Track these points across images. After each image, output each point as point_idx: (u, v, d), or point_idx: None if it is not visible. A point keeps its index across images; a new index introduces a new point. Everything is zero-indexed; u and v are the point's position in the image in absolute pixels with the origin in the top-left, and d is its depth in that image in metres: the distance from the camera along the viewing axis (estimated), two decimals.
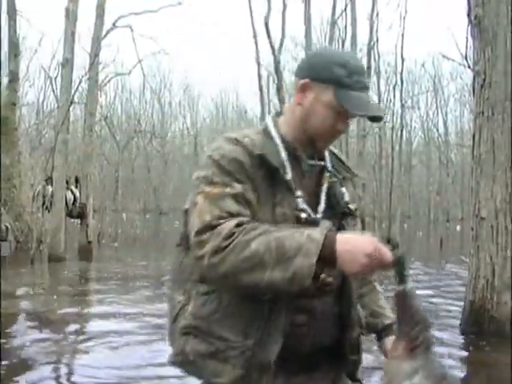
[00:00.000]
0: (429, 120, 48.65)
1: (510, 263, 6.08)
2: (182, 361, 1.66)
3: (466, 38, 7.52)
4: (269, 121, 1.74)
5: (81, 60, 21.78)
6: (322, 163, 1.74)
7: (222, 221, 1.50)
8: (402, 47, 21.81)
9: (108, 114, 41.95)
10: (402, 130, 27.44)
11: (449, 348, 5.71)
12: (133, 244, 20.13)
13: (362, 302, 1.85)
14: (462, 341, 6.11)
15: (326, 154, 1.77)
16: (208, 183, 1.57)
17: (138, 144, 47.19)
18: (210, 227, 1.50)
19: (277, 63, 18.82)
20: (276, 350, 1.55)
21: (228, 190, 1.54)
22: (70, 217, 15.63)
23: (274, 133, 1.69)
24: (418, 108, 47.41)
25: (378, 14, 22.26)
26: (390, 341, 1.70)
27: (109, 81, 27.50)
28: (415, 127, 49.39)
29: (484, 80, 6.33)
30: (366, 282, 1.89)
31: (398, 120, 25.06)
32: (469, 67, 7.61)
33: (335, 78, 1.61)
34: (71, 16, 14.14)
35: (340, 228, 1.66)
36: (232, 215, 1.51)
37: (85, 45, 19.94)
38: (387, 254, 1.46)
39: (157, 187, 48.80)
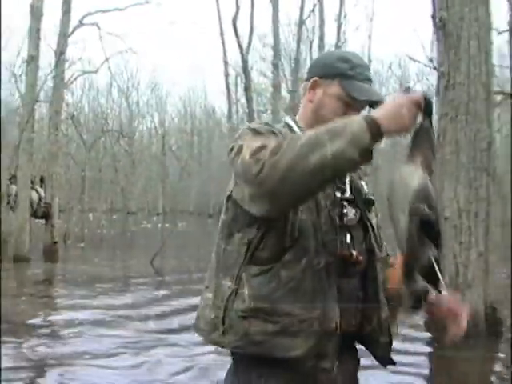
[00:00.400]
0: None
1: (474, 263, 6.19)
2: (247, 343, 1.64)
3: (432, 40, 7.59)
4: (287, 118, 1.85)
5: (47, 57, 21.48)
6: None
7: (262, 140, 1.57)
8: (369, 48, 22.03)
9: (75, 113, 41.45)
10: None
11: (414, 345, 5.79)
12: (100, 244, 19.94)
13: None
14: (428, 339, 6.19)
15: None
16: (251, 133, 1.63)
17: (105, 143, 46.71)
18: (261, 147, 1.52)
19: (245, 63, 18.84)
20: (336, 317, 1.64)
21: (271, 136, 1.61)
22: (34, 217, 15.39)
23: (295, 127, 1.80)
24: None
25: (345, 16, 22.44)
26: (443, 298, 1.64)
27: (75, 79, 27.16)
28: None
29: (448, 82, 6.43)
30: None
31: None
32: (434, 69, 7.71)
33: (340, 72, 1.76)
34: (36, 12, 13.95)
35: (362, 217, 1.78)
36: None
37: (51, 42, 19.65)
38: (415, 94, 1.52)
39: (124, 187, 48.37)
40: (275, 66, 20.56)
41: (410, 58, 21.64)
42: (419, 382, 4.93)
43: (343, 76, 1.76)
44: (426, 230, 1.50)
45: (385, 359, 1.82)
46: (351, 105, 1.74)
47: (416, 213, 1.49)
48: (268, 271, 1.64)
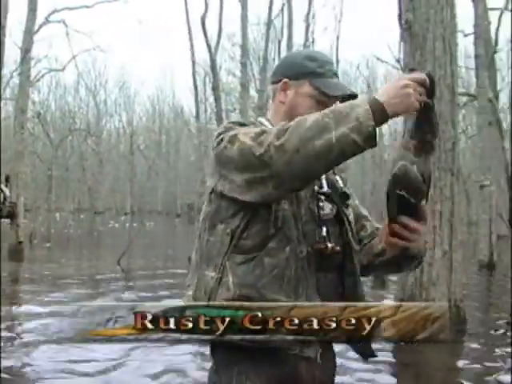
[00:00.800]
0: None
1: (438, 261, 6.28)
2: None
3: (399, 41, 7.68)
4: (260, 119, 1.85)
5: (12, 55, 21.17)
6: None
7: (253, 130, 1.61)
8: (337, 49, 22.19)
9: (41, 111, 40.97)
10: None
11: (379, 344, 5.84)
12: (66, 244, 19.73)
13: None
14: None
15: None
16: (237, 125, 1.69)
17: (72, 142, 46.26)
18: (261, 132, 1.56)
19: (213, 62, 18.81)
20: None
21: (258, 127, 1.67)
22: None
23: (269, 127, 1.76)
24: None
25: (313, 16, 22.56)
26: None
27: (42, 76, 26.88)
28: None
29: None
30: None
31: None
32: (401, 70, 7.80)
33: (309, 71, 1.79)
34: (2, 9, 13.74)
35: (338, 211, 1.79)
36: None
37: (16, 39, 19.39)
38: (418, 74, 1.51)
39: (92, 186, 47.97)
40: (243, 65, 20.58)
41: (378, 59, 21.94)
42: (385, 371, 4.97)
43: (313, 75, 1.78)
44: (405, 211, 1.57)
45: (365, 352, 1.83)
46: (324, 102, 1.75)
47: (391, 197, 1.54)
48: (252, 259, 1.66)
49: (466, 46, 28.74)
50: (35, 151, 39.17)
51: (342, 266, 1.77)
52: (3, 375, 4.60)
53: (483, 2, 14.07)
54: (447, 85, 6.45)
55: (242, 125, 1.70)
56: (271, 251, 1.66)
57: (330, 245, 1.71)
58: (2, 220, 16.05)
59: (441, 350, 5.71)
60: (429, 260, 6.25)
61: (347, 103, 1.52)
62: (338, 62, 22.40)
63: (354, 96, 1.74)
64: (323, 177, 1.80)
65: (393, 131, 51.63)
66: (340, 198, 1.83)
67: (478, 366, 5.31)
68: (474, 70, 15.35)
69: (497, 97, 15.13)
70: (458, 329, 6.25)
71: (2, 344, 5.59)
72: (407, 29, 6.65)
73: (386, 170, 47.30)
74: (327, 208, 1.77)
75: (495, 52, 16.24)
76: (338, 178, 1.87)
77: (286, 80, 1.81)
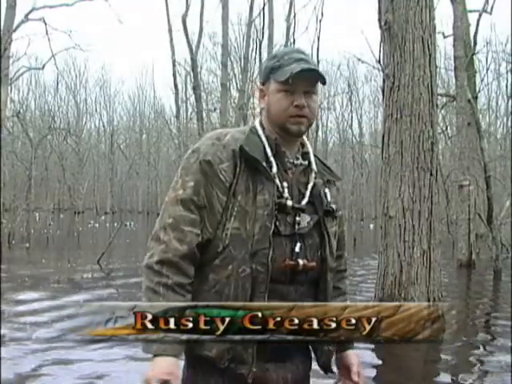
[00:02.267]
0: (344, 121, 49.74)
1: (417, 261, 6.32)
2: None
3: (380, 42, 7.74)
4: (257, 123, 1.91)
5: None
6: (306, 163, 1.88)
7: (161, 234, 1.75)
8: (317, 49, 22.17)
9: (20, 110, 40.55)
10: (317, 131, 27.91)
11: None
12: (46, 244, 19.54)
13: None
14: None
15: (313, 158, 1.91)
16: (173, 184, 1.81)
17: (52, 141, 45.86)
18: (156, 237, 1.76)
19: (194, 61, 18.77)
20: None
21: (184, 195, 1.76)
22: None
23: (260, 131, 1.86)
24: (334, 109, 48.44)
25: (294, 16, 22.58)
26: (351, 354, 1.91)
27: (21, 75, 26.66)
28: (331, 128, 50.44)
29: (393, 83, 6.56)
30: (341, 293, 2.01)
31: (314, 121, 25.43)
32: (382, 70, 7.85)
33: (270, 69, 1.84)
34: None
35: (320, 224, 1.82)
36: (176, 221, 1.74)
37: None
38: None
39: (71, 186, 47.60)
40: (224, 65, 20.56)
41: (359, 60, 22.01)
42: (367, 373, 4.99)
43: (273, 70, 1.82)
44: None
45: (326, 366, 1.89)
46: (290, 90, 1.78)
47: None
48: (201, 274, 1.75)
49: (445, 47, 29.04)
50: (14, 150, 38.79)
51: (317, 280, 1.82)
52: None
53: (462, 3, 14.19)
54: (426, 85, 6.50)
55: (174, 184, 1.80)
56: (216, 268, 1.73)
57: (301, 262, 1.73)
58: None
59: (419, 348, 5.77)
60: (408, 259, 6.30)
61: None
62: (318, 62, 22.39)
63: (318, 75, 1.79)
64: (309, 187, 1.84)
65: (373, 131, 51.91)
66: (324, 212, 1.84)
67: (455, 366, 5.37)
68: (453, 71, 15.48)
69: (476, 98, 15.25)
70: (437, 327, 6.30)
71: None
72: (387, 30, 6.70)
73: (367, 170, 47.47)
74: (304, 221, 1.79)
75: (474, 53, 16.38)
76: (327, 190, 1.88)
77: (261, 87, 1.88)
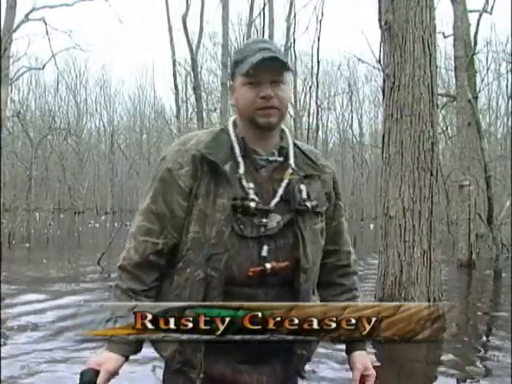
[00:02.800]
0: (344, 121, 49.75)
1: (417, 261, 6.32)
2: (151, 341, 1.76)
3: (380, 42, 7.75)
4: (230, 122, 1.86)
5: None
6: (282, 159, 1.80)
7: (127, 242, 1.81)
8: (318, 49, 22.18)
9: (21, 110, 40.56)
10: (317, 131, 27.91)
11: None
12: (46, 244, 19.54)
13: None
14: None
15: (291, 152, 1.82)
16: (145, 193, 1.82)
17: (52, 141, 45.87)
18: (126, 248, 1.81)
19: (194, 61, 18.77)
20: None
21: (145, 204, 1.79)
22: None
23: (231, 132, 1.81)
24: (334, 109, 48.46)
25: (295, 16, 22.59)
26: (358, 356, 1.82)
27: (21, 75, 26.67)
28: (331, 128, 50.45)
29: (393, 83, 6.56)
30: (346, 289, 1.93)
31: (314, 120, 25.48)
32: (382, 70, 7.85)
33: (234, 63, 1.80)
34: None
35: (293, 223, 1.75)
36: (136, 230, 1.79)
37: None
38: None
39: (72, 186, 47.62)
40: (224, 65, 20.57)
41: (359, 60, 22.01)
42: None
43: (237, 64, 1.77)
44: None
45: (298, 371, 1.83)
46: (255, 82, 1.73)
47: None
48: (169, 276, 1.77)
49: (445, 47, 29.05)
50: (14, 150, 38.81)
51: (291, 281, 1.75)
52: None
53: (463, 3, 14.19)
54: (426, 85, 6.50)
55: (145, 194, 1.81)
56: (179, 271, 1.73)
57: (269, 265, 1.69)
58: None
59: (420, 346, 5.77)
60: (408, 259, 6.30)
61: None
62: (318, 62, 22.41)
63: (274, 58, 1.71)
64: (283, 185, 1.76)
65: (373, 131, 51.91)
66: (297, 210, 1.75)
67: (456, 364, 5.37)
68: (453, 71, 15.48)
69: (476, 98, 15.26)
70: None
71: None
72: (387, 30, 6.70)
73: (367, 170, 47.51)
74: (273, 221, 1.73)
75: (474, 53, 16.39)
76: (303, 187, 1.78)
77: (230, 83, 1.85)
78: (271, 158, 1.78)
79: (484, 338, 6.32)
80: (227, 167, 1.72)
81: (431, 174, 6.42)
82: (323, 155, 2.00)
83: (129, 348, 1.67)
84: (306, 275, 1.75)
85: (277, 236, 1.73)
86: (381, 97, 7.90)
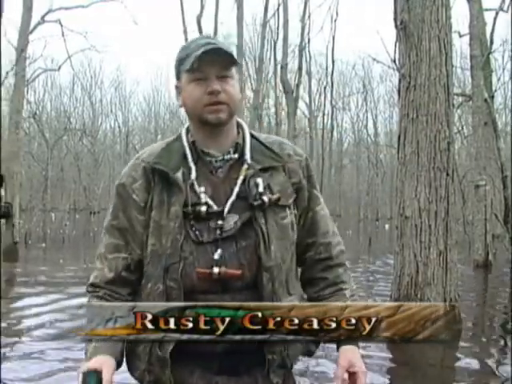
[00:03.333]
0: (359, 121, 49.61)
1: (433, 261, 6.28)
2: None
3: (395, 41, 7.72)
4: (184, 127, 1.81)
5: (7, 54, 21.12)
6: (237, 156, 1.73)
7: (97, 262, 1.78)
8: (332, 49, 22.17)
9: (37, 111, 40.85)
10: (332, 131, 27.87)
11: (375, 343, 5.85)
12: (62, 244, 19.67)
13: None
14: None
15: (247, 146, 1.74)
16: (109, 211, 1.80)
17: (67, 142, 46.15)
18: (96, 269, 1.79)
19: None
20: (170, 344, 1.62)
21: (107, 222, 1.78)
22: None
23: (183, 137, 1.77)
24: (349, 109, 48.35)
25: (309, 16, 22.57)
26: (344, 352, 1.68)
27: (37, 76, 26.85)
28: (346, 128, 50.34)
29: (409, 83, 6.52)
30: (330, 283, 1.81)
31: (329, 121, 25.44)
32: (397, 70, 7.81)
33: (179, 61, 1.72)
34: None
35: (252, 220, 1.66)
36: (105, 250, 1.77)
37: (11, 38, 19.34)
38: None
39: (87, 186, 47.86)
40: (239, 66, 20.57)
41: (374, 59, 21.93)
42: (381, 373, 4.97)
43: (181, 62, 1.70)
44: None
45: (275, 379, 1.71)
46: (202, 78, 1.66)
47: None
48: (137, 294, 1.75)
49: (461, 46, 28.86)
50: (30, 151, 39.10)
51: (255, 285, 1.67)
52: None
53: (478, 2, 14.10)
54: (442, 85, 6.45)
55: (109, 211, 1.78)
56: (142, 287, 1.72)
57: (216, 269, 1.61)
58: None
59: (437, 349, 5.73)
60: (424, 260, 6.26)
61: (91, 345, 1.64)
62: (333, 61, 22.38)
63: (216, 49, 1.65)
64: (239, 182, 1.69)
65: (388, 131, 51.70)
66: (256, 206, 1.67)
67: (472, 365, 5.34)
68: (469, 70, 15.37)
69: (492, 97, 15.14)
70: (454, 328, 6.27)
71: None
72: (402, 29, 6.66)
73: (382, 171, 47.33)
74: (230, 222, 1.66)
75: (490, 52, 16.26)
76: (259, 180, 1.69)
77: (176, 84, 1.76)
78: (226, 157, 1.72)
79: (502, 342, 6.26)
80: (179, 174, 1.67)
81: (447, 174, 6.37)
82: (293, 144, 1.87)
83: (115, 349, 1.64)
84: (270, 274, 1.65)
85: (237, 237, 1.66)
86: (396, 96, 7.86)
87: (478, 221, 13.21)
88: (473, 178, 14.71)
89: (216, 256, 1.63)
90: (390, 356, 5.36)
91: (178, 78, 1.74)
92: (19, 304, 8.03)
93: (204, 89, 1.66)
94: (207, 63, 1.64)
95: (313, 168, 1.85)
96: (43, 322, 6.64)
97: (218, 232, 1.65)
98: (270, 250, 1.65)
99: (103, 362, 1.60)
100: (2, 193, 14.97)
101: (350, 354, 1.67)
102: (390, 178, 46.40)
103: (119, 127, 56.25)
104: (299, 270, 1.86)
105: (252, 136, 1.78)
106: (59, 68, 22.84)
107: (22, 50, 15.49)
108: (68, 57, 20.55)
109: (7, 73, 15.91)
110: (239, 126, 1.79)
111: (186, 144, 1.74)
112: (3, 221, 15.36)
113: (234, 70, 1.71)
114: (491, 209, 13.40)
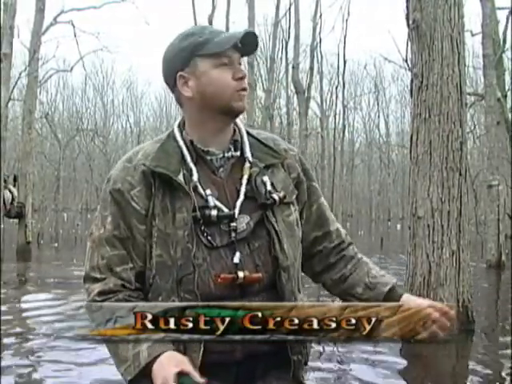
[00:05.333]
0: (371, 121, 49.48)
1: (446, 261, 6.26)
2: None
3: (407, 41, 7.69)
4: (175, 125, 1.71)
5: (20, 55, 21.26)
6: (238, 153, 1.66)
7: (96, 275, 1.61)
8: (344, 49, 22.14)
9: (49, 112, 41.08)
10: (344, 131, 27.83)
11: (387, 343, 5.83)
12: (74, 244, 19.76)
13: (352, 280, 1.75)
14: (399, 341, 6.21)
15: (246, 143, 1.68)
16: (95, 219, 1.65)
17: (79, 142, 46.37)
18: (89, 278, 1.63)
19: None
20: (197, 359, 1.54)
21: (106, 232, 1.61)
22: (7, 217, 15.22)
23: (178, 137, 1.66)
24: (361, 109, 48.25)
25: (321, 16, 22.53)
26: (410, 298, 1.65)
27: (49, 77, 27.00)
28: (358, 128, 50.22)
29: (421, 82, 6.49)
30: (348, 259, 1.78)
31: (341, 120, 25.40)
32: (409, 69, 7.79)
33: (192, 47, 1.59)
34: (10, 9, 13.79)
35: (263, 220, 1.61)
36: (108, 262, 1.60)
37: (24, 39, 19.48)
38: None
39: (99, 186, 48.05)
40: (251, 66, 20.58)
41: (385, 59, 21.91)
42: (394, 375, 4.95)
43: (199, 46, 1.58)
44: None
45: (296, 378, 1.70)
46: (227, 62, 1.58)
47: None
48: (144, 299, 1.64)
49: (473, 45, 28.73)
50: (43, 151, 39.31)
51: (273, 286, 1.62)
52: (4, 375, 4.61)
53: (491, 1, 14.02)
54: (455, 84, 6.42)
55: (96, 222, 1.64)
56: (151, 300, 1.60)
57: (241, 274, 1.55)
58: (12, 220, 16.13)
59: (450, 351, 5.71)
60: (437, 260, 6.23)
61: (127, 355, 1.51)
62: (344, 61, 22.34)
63: (253, 39, 1.59)
64: (243, 183, 1.62)
65: (400, 131, 51.53)
66: (263, 205, 1.61)
67: (485, 366, 5.31)
68: (481, 69, 15.30)
69: (505, 96, 15.06)
70: (467, 329, 6.24)
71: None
72: (414, 28, 6.64)
73: (393, 171, 47.21)
74: (242, 223, 1.60)
75: (503, 51, 16.17)
76: (266, 178, 1.63)
77: (179, 74, 1.62)
78: (227, 155, 1.64)
79: None
80: (180, 177, 1.57)
81: (460, 174, 6.34)
82: (282, 138, 1.83)
83: (168, 343, 1.53)
84: (288, 273, 1.62)
85: (250, 238, 1.60)
86: (407, 96, 7.83)
87: (490, 221, 13.14)
88: (485, 177, 14.64)
89: (236, 260, 1.57)
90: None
91: (184, 66, 1.61)
92: (30, 304, 8.08)
93: (231, 74, 1.58)
94: (233, 50, 1.57)
95: (305, 161, 1.81)
96: (51, 320, 6.67)
97: (233, 235, 1.58)
98: (285, 249, 1.61)
99: (179, 360, 1.47)
100: (15, 193, 15.08)
101: (413, 298, 1.67)
102: (402, 178, 46.28)
103: (131, 127, 56.45)
104: (309, 264, 1.82)
105: (247, 133, 1.72)
106: (71, 69, 22.97)
107: (34, 51, 15.56)
108: (80, 57, 20.68)
109: (20, 74, 16.00)
110: (235, 122, 1.71)
111: (182, 143, 1.64)
112: (16, 221, 15.47)
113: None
114: (504, 209, 13.33)
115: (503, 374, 5.01)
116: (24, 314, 7.28)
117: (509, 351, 5.67)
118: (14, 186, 15.38)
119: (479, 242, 17.00)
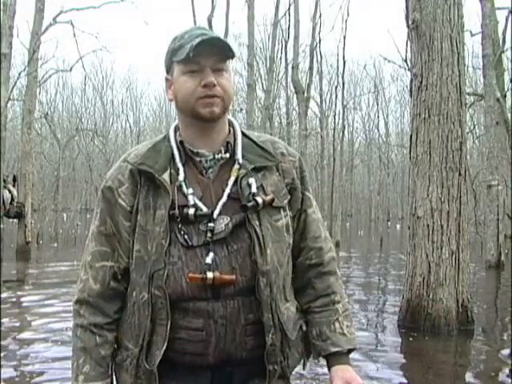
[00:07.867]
0: (370, 121, 49.50)
1: (446, 261, 6.26)
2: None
3: (406, 41, 7.70)
4: (172, 126, 1.72)
5: (20, 55, 21.25)
6: (228, 155, 1.64)
7: (81, 272, 1.67)
8: (343, 49, 22.10)
9: (48, 112, 41.05)
10: (343, 131, 27.82)
11: (388, 341, 5.84)
12: (73, 244, 19.76)
13: (313, 319, 1.71)
14: (399, 339, 6.23)
15: (239, 145, 1.67)
16: (93, 215, 1.69)
17: (79, 142, 46.35)
18: (79, 276, 1.68)
19: None
20: (158, 356, 1.54)
21: (94, 228, 1.66)
22: (7, 217, 15.23)
23: (171, 137, 1.68)
24: (360, 109, 48.26)
25: (320, 16, 22.52)
26: (337, 371, 1.65)
27: (49, 77, 26.96)
28: (357, 128, 50.25)
29: (421, 83, 6.50)
30: (321, 294, 1.72)
31: (340, 120, 25.39)
32: (408, 70, 7.79)
33: (171, 52, 1.62)
34: (9, 10, 13.79)
35: (245, 222, 1.57)
36: (91, 258, 1.65)
37: (23, 39, 19.46)
38: None
39: (98, 186, 48.02)
40: (250, 66, 20.58)
41: (385, 59, 21.86)
42: (394, 371, 4.95)
43: (174, 53, 1.60)
44: None
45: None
46: (196, 70, 1.57)
47: None
48: (124, 305, 1.65)
49: (473, 45, 28.72)
50: (42, 151, 39.27)
51: (252, 291, 1.56)
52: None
53: (491, 1, 14.03)
54: (454, 84, 6.43)
55: (93, 216, 1.68)
56: (128, 296, 1.62)
57: (210, 274, 1.50)
58: (11, 220, 16.13)
59: (448, 349, 5.71)
60: (436, 260, 6.24)
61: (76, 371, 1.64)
62: (344, 61, 22.30)
63: (215, 39, 1.56)
64: (229, 185, 1.59)
65: (399, 131, 51.56)
66: (249, 208, 1.57)
67: (485, 365, 5.32)
68: (481, 69, 15.31)
69: (504, 96, 15.07)
70: (466, 328, 6.24)
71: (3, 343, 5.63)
72: (414, 28, 6.65)
73: (393, 171, 47.18)
74: (221, 224, 1.56)
75: (503, 51, 16.18)
76: (252, 180, 1.60)
77: (166, 76, 1.67)
78: (217, 156, 1.62)
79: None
80: (165, 176, 1.58)
81: (459, 174, 6.35)
82: (286, 144, 1.79)
83: (106, 374, 1.62)
84: (267, 278, 1.55)
85: (229, 240, 1.56)
86: (407, 96, 7.83)
87: (490, 221, 13.15)
88: (485, 177, 14.64)
89: (208, 260, 1.52)
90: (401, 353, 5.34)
91: (169, 70, 1.65)
92: (29, 304, 8.08)
93: (198, 81, 1.56)
94: (203, 54, 1.55)
95: (306, 169, 1.77)
96: (51, 320, 6.67)
97: (209, 235, 1.54)
98: (266, 254, 1.56)
99: None
100: (15, 193, 15.08)
101: (346, 372, 1.64)
102: (401, 178, 46.32)
103: (130, 127, 56.49)
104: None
105: (244, 135, 1.70)
106: (71, 69, 22.91)
107: (34, 50, 15.57)
108: (80, 57, 20.64)
109: (19, 74, 16.00)
110: (230, 124, 1.71)
111: (173, 144, 1.65)
112: (16, 221, 15.48)
113: (228, 64, 1.62)
114: (503, 209, 13.34)
115: (502, 373, 5.01)
116: (24, 314, 7.29)
117: (508, 350, 5.69)
118: (14, 185, 15.38)
119: (479, 242, 17.02)
